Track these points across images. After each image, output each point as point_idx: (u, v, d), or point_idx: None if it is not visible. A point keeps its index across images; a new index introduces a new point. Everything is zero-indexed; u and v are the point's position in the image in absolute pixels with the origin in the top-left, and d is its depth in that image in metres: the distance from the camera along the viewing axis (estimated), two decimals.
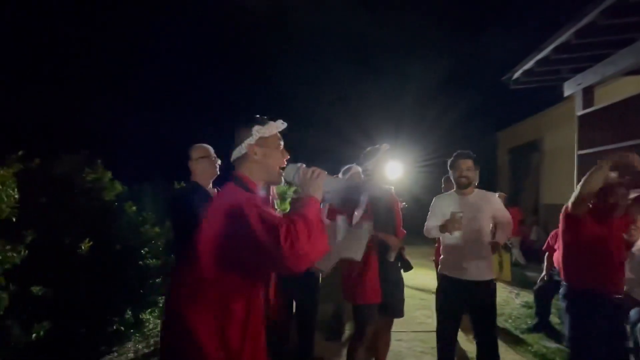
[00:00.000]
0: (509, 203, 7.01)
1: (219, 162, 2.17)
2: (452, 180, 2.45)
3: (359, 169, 3.52)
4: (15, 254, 1.89)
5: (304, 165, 1.22)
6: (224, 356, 1.11)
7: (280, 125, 1.26)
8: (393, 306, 2.33)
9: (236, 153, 1.23)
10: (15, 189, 1.94)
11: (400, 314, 2.41)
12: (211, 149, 2.20)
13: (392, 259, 2.22)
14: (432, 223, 2.44)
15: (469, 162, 2.35)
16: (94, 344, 2.46)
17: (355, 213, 1.20)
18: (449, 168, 2.45)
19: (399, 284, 2.40)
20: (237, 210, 1.08)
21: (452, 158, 2.42)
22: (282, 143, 1.28)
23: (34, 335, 1.93)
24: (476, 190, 2.42)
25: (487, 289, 2.30)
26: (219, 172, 2.19)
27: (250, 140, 1.20)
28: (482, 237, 2.29)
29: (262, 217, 1.06)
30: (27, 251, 1.93)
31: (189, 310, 1.11)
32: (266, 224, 1.04)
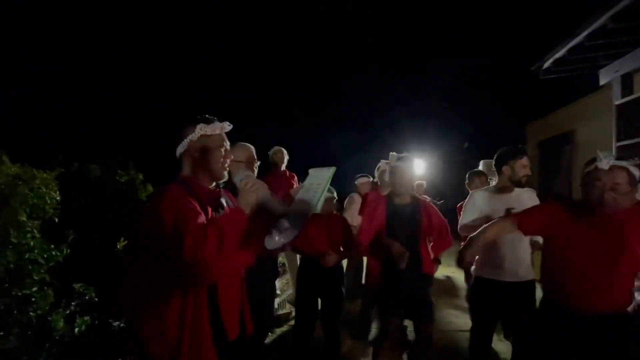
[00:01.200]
0: (554, 199, 6.69)
1: (258, 163, 2.23)
2: (503, 176, 2.28)
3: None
4: (58, 253, 2.01)
5: (251, 175, 1.29)
6: (164, 347, 1.14)
7: (226, 126, 1.31)
8: (419, 309, 2.29)
9: (179, 149, 1.27)
10: (57, 191, 2.06)
11: (425, 320, 2.32)
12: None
13: (401, 267, 2.17)
14: (468, 219, 2.32)
15: (527, 160, 2.32)
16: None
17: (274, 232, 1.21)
18: (501, 163, 2.27)
19: (421, 288, 2.33)
20: (155, 212, 1.11)
21: (508, 153, 2.28)
22: (226, 144, 1.32)
23: (76, 329, 2.05)
24: (515, 188, 2.30)
25: (527, 291, 2.17)
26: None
27: (193, 137, 1.24)
28: (522, 237, 2.13)
29: (176, 222, 1.07)
30: (69, 250, 2.05)
31: (131, 300, 1.22)
32: (175, 230, 1.05)
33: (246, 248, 1.26)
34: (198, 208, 1.16)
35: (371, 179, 4.11)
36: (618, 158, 1.44)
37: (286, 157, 3.67)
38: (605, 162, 1.42)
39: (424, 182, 5.48)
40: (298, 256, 4.41)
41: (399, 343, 2.64)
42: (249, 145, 2.23)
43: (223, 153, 1.29)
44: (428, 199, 4.85)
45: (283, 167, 3.66)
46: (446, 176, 8.72)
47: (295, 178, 3.74)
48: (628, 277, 1.49)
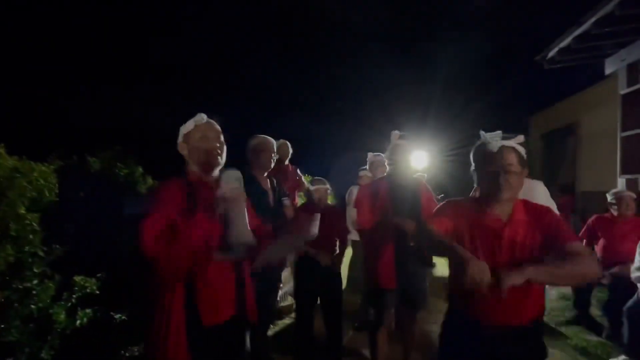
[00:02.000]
0: (560, 191, 6.66)
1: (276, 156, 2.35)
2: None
3: (382, 158, 3.49)
4: (58, 246, 2.00)
5: (237, 180, 1.34)
6: (155, 338, 1.23)
7: (198, 119, 1.39)
8: (412, 296, 2.27)
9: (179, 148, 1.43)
10: (56, 184, 2.05)
11: (421, 305, 2.34)
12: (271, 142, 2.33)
13: (412, 243, 2.15)
14: None
15: None
16: (133, 330, 2.59)
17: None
18: None
19: (419, 274, 2.31)
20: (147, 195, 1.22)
21: None
22: (210, 134, 1.40)
23: (78, 322, 2.05)
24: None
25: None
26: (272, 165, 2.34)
27: (179, 139, 1.40)
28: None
29: (152, 205, 1.20)
30: (69, 243, 2.04)
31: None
32: (145, 212, 1.18)
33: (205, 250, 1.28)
34: (180, 200, 1.25)
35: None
36: (503, 138, 1.31)
37: (290, 151, 3.64)
38: (493, 144, 1.29)
39: (425, 175, 5.42)
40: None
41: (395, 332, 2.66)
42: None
43: (205, 144, 1.38)
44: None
45: (286, 162, 3.63)
46: (448, 169, 8.66)
47: (298, 170, 3.71)
48: (535, 288, 1.29)
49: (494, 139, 1.31)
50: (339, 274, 2.87)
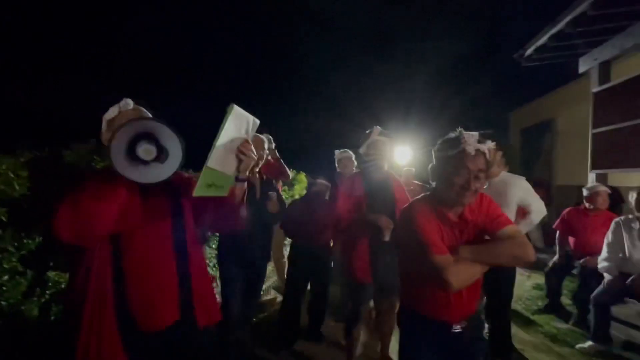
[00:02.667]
0: (534, 184, 6.83)
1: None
2: None
3: (350, 154, 3.57)
4: (30, 241, 1.95)
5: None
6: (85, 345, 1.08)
7: (123, 104, 1.24)
8: (388, 288, 2.30)
9: None
10: (27, 177, 1.98)
11: (397, 295, 2.41)
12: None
13: (386, 239, 2.17)
14: None
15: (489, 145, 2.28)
16: None
17: None
18: None
19: (393, 267, 2.37)
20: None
21: None
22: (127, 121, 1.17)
23: (52, 317, 2.01)
24: (503, 173, 2.32)
25: (506, 274, 2.25)
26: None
27: (103, 127, 1.25)
28: None
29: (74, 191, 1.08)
30: (41, 238, 1.99)
31: None
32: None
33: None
34: (103, 184, 1.09)
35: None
36: (479, 141, 1.26)
37: (273, 145, 3.64)
38: (472, 147, 1.24)
39: (413, 168, 5.46)
40: (285, 242, 4.43)
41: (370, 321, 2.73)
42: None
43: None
44: (419, 184, 4.91)
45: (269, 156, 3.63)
46: (430, 163, 8.81)
47: (281, 161, 3.71)
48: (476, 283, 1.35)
49: (471, 143, 1.25)
50: (330, 263, 3.05)
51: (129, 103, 1.24)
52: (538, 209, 2.36)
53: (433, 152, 1.38)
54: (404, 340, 1.48)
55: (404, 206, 1.42)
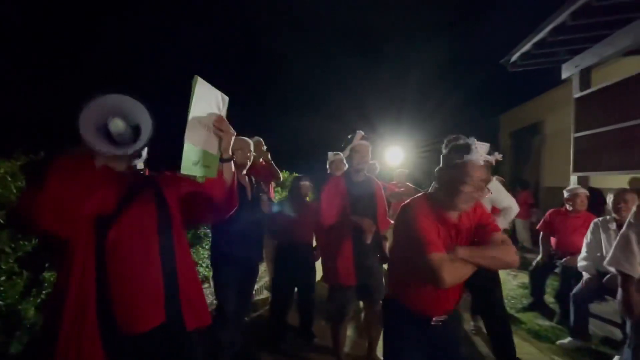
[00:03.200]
0: (520, 186, 7.01)
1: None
2: None
3: (342, 156, 3.64)
4: (26, 242, 2.00)
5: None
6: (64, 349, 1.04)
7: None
8: (372, 291, 2.37)
9: None
10: (23, 180, 2.03)
11: (381, 297, 2.43)
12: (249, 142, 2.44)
13: (368, 241, 2.24)
14: None
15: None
16: None
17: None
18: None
19: (376, 269, 2.41)
20: None
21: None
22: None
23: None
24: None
25: (489, 274, 2.31)
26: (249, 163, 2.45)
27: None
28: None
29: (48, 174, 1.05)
30: (37, 239, 2.04)
31: None
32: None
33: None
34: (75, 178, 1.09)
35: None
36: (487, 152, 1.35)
37: (264, 148, 3.70)
38: (480, 157, 1.31)
39: (406, 170, 5.51)
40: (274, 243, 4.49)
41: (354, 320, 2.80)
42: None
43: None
44: (412, 186, 5.00)
45: (260, 159, 3.69)
46: (422, 165, 8.94)
47: (272, 163, 3.78)
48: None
49: (480, 152, 1.32)
50: (314, 264, 3.10)
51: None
52: (510, 206, 2.48)
53: (441, 156, 1.46)
54: (388, 331, 1.56)
55: (405, 203, 1.49)
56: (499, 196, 2.53)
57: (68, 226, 1.06)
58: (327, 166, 3.77)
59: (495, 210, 2.56)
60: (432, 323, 1.46)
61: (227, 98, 1.35)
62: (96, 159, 1.11)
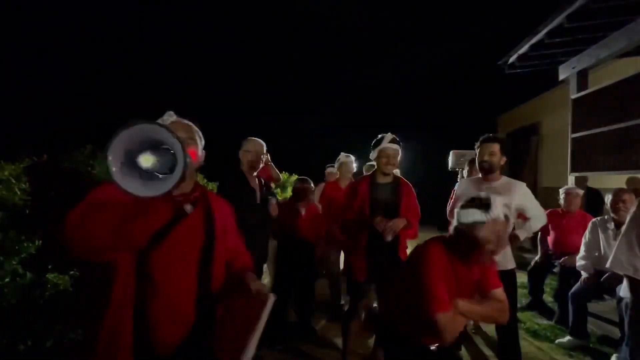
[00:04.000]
0: None
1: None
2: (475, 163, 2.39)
3: (348, 159, 3.71)
4: (30, 244, 2.01)
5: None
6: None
7: (166, 117, 1.19)
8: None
9: None
10: (27, 182, 2.05)
11: None
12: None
13: (389, 239, 2.20)
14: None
15: (493, 147, 2.25)
16: None
17: None
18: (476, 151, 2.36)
19: (389, 266, 2.40)
20: None
21: (478, 142, 2.34)
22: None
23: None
24: (503, 177, 2.32)
25: (508, 279, 2.21)
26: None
27: None
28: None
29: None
30: (40, 241, 2.05)
31: None
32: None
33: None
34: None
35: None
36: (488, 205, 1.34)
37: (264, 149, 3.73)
38: (488, 217, 1.32)
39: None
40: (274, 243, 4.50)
41: (369, 322, 2.81)
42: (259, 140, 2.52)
43: None
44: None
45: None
46: (422, 166, 8.98)
47: (272, 164, 3.80)
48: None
49: (485, 207, 1.33)
50: (314, 259, 3.17)
51: (171, 115, 1.18)
52: (538, 216, 2.31)
53: (457, 211, 1.43)
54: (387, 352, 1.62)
55: (421, 244, 1.50)
56: (528, 203, 2.30)
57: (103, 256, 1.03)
58: (335, 166, 3.82)
59: (522, 216, 2.39)
60: (430, 348, 1.49)
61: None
62: None
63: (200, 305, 1.15)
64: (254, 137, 2.57)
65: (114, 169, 0.88)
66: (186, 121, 1.22)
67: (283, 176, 6.07)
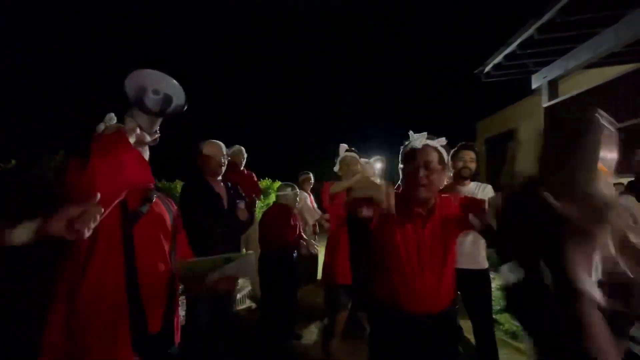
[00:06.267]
0: (495, 191, 7.17)
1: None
2: (450, 170, 2.45)
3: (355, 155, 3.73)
4: None
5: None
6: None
7: (107, 119, 1.23)
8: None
9: None
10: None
11: None
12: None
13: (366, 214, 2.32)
14: None
15: (472, 154, 2.39)
16: None
17: None
18: (450, 158, 2.39)
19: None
20: None
21: (454, 149, 2.42)
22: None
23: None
24: (472, 182, 2.45)
25: (481, 278, 2.32)
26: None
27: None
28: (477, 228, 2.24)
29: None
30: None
31: None
32: None
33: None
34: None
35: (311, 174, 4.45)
36: (429, 138, 1.43)
37: (245, 156, 3.66)
38: (418, 142, 1.40)
39: (311, 175, 5.29)
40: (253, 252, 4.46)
41: (353, 334, 2.81)
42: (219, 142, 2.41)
43: None
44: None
45: (242, 167, 3.66)
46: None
47: (254, 175, 3.76)
48: (451, 276, 1.44)
49: (419, 139, 1.41)
50: (297, 265, 3.20)
51: (112, 118, 1.24)
52: None
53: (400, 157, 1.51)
54: (374, 331, 1.50)
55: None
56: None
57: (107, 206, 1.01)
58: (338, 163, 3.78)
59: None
60: (420, 321, 1.37)
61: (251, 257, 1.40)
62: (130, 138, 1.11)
63: (170, 292, 1.26)
64: (212, 140, 2.43)
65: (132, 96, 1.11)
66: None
67: (266, 182, 6.03)
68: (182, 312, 2.97)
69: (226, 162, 2.38)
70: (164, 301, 1.23)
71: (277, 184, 6.54)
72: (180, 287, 1.41)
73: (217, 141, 2.38)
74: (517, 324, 3.54)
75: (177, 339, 1.31)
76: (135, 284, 1.15)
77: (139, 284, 1.16)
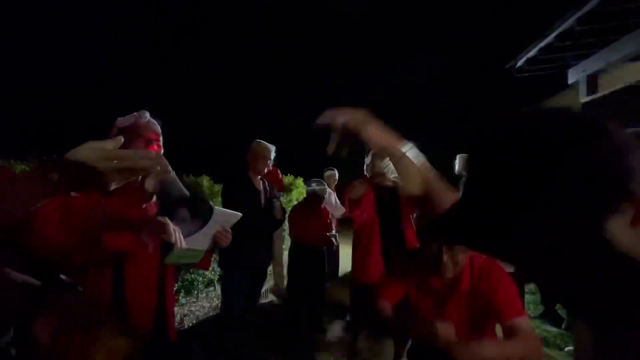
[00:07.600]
0: None
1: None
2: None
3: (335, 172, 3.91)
4: None
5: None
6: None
7: (139, 115, 1.26)
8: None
9: None
10: None
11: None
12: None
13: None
14: None
15: None
16: None
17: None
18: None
19: None
20: None
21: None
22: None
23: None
24: None
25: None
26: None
27: (112, 133, 1.29)
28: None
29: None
30: None
31: None
32: None
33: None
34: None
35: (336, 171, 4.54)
36: None
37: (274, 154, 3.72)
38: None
39: (335, 172, 4.90)
40: (284, 246, 4.51)
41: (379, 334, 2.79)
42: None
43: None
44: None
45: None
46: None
47: (279, 172, 3.80)
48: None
49: None
50: (325, 262, 3.27)
51: (146, 115, 1.25)
52: None
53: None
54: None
55: None
56: None
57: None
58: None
59: None
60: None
61: (239, 215, 1.42)
62: None
63: (159, 290, 1.30)
64: (261, 140, 2.59)
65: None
66: (155, 122, 1.34)
67: (288, 179, 6.08)
68: (185, 310, 3.04)
69: (271, 165, 2.58)
70: (153, 301, 1.26)
71: (300, 180, 6.58)
72: (175, 285, 1.45)
73: (266, 143, 2.54)
74: (548, 329, 3.40)
75: (172, 337, 1.35)
76: (122, 284, 1.16)
77: (125, 282, 1.17)
